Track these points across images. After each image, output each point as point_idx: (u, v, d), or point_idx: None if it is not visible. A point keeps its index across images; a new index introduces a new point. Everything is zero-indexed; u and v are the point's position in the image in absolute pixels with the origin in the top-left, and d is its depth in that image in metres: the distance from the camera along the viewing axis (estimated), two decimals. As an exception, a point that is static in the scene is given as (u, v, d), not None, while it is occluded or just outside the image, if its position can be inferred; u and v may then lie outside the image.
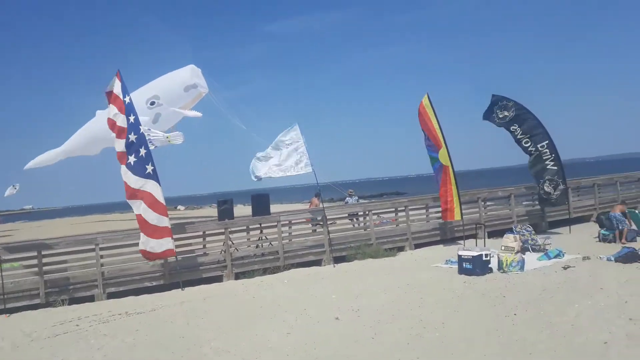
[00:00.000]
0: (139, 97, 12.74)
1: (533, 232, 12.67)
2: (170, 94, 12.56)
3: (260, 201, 13.89)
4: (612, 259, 9.91)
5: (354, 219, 15.79)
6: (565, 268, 9.64)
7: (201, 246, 12.85)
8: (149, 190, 11.20)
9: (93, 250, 11.37)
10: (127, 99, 11.46)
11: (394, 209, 15.96)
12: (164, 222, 11.22)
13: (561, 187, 16.01)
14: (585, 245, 12.43)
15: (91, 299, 11.11)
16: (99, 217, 47.23)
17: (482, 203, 16.80)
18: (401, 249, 14.93)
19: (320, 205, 19.37)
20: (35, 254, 10.94)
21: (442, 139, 14.69)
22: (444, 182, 14.86)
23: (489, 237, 15.96)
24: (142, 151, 11.26)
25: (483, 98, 16.81)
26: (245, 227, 13.60)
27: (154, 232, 11.16)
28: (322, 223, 15.81)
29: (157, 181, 11.26)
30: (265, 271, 12.76)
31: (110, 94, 11.63)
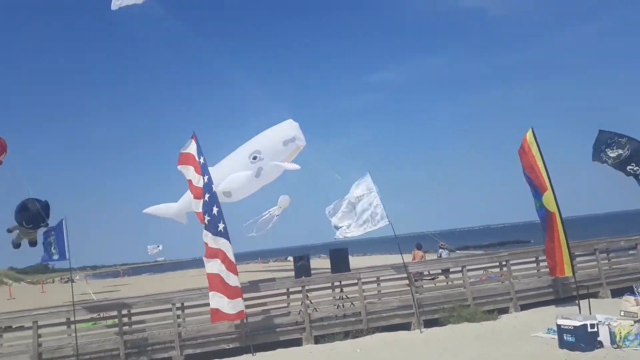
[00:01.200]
0: (242, 152, 13.18)
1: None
2: (271, 149, 12.84)
3: (339, 256, 13.16)
4: None
5: (447, 276, 14.38)
6: (703, 345, 7.55)
7: (278, 305, 12.35)
8: (222, 248, 11.08)
9: (170, 310, 11.37)
10: (201, 160, 11.63)
11: (493, 264, 14.29)
12: (235, 281, 10.94)
13: None
14: None
15: (170, 361, 11.01)
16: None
17: (602, 255, 14.49)
18: (504, 310, 13.15)
19: (425, 258, 18.19)
20: (115, 313, 11.18)
21: (547, 181, 12.90)
22: (550, 231, 12.97)
23: (612, 297, 13.63)
24: (215, 210, 11.23)
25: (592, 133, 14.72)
26: (323, 285, 12.88)
27: (228, 291, 10.91)
28: (432, 277, 14.72)
29: (228, 239, 11.11)
30: (347, 335, 11.85)
31: (185, 155, 11.89)
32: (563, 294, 13.56)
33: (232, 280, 10.93)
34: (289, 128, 12.81)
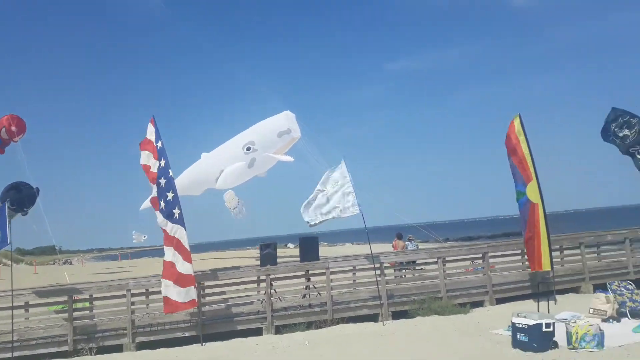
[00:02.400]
0: (237, 142, 13.06)
1: (635, 290, 9.71)
2: (265, 140, 12.80)
3: (309, 245, 12.69)
4: None
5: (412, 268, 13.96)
6: (663, 348, 6.92)
7: (240, 294, 11.89)
8: (176, 235, 10.61)
9: (124, 296, 10.96)
10: (159, 144, 11.13)
11: (472, 255, 13.73)
12: (189, 269, 10.47)
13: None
14: None
15: (119, 348, 10.61)
16: (217, 254, 49.24)
17: (589, 249, 13.84)
18: (478, 304, 12.61)
19: (406, 248, 17.69)
20: (65, 299, 10.79)
21: (532, 170, 12.26)
22: (531, 224, 12.32)
23: (595, 292, 13.04)
24: (170, 195, 10.75)
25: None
26: (290, 274, 12.41)
27: (181, 279, 10.46)
28: (410, 268, 14.29)
29: (183, 225, 10.63)
30: (310, 325, 11.40)
31: (146, 140, 11.42)
32: (542, 289, 12.93)
33: (186, 268, 10.46)
34: (284, 119, 12.57)
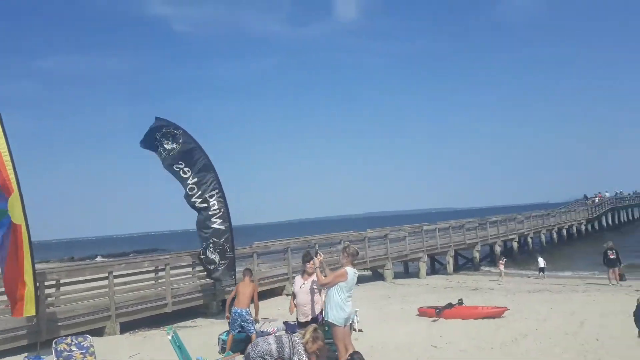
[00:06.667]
0: None
1: (91, 348, 7.08)
2: None
3: None
4: None
5: None
6: None
7: None
8: None
9: None
10: None
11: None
12: None
13: (229, 254, 11.63)
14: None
15: None
16: None
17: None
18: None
19: None
20: None
21: (14, 180, 8.86)
22: (13, 252, 8.89)
23: (122, 332, 10.83)
24: None
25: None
26: None
27: None
28: None
29: None
30: None
31: None
32: (47, 336, 9.71)
33: None
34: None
